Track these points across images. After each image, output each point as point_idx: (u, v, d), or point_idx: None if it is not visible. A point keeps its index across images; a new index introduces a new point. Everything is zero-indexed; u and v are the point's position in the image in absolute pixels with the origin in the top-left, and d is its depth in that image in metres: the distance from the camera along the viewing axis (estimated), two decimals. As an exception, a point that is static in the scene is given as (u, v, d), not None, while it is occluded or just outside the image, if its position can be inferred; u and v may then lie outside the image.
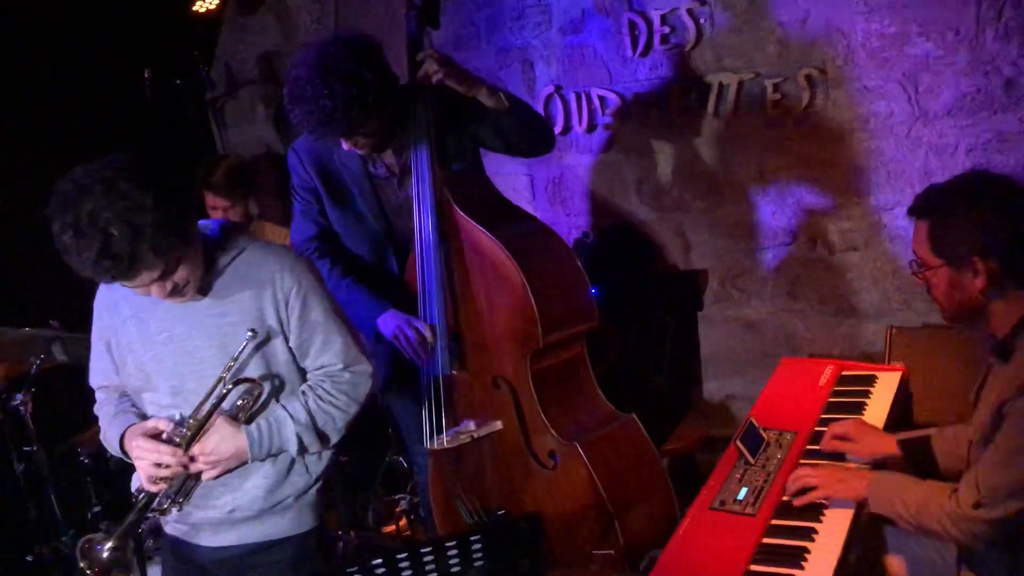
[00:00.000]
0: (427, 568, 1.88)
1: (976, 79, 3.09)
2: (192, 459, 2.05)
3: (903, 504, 2.01)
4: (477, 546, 1.90)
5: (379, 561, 1.83)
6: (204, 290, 2.07)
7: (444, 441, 2.73)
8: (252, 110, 4.80)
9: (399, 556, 1.84)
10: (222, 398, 2.05)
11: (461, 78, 2.69)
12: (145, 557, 2.97)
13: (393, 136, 2.75)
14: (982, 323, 2.03)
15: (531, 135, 2.81)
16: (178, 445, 2.03)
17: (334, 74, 2.48)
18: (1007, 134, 3.09)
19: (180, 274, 1.95)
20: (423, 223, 2.69)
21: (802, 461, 2.41)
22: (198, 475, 2.09)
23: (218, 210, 3.54)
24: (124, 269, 1.84)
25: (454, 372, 2.77)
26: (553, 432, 2.62)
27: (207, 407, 2.05)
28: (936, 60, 3.13)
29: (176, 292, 1.99)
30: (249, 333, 2.03)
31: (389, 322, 2.75)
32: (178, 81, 4.23)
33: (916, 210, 2.05)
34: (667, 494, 2.74)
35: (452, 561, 1.89)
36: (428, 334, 2.70)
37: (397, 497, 3.77)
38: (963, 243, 1.94)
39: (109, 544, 1.98)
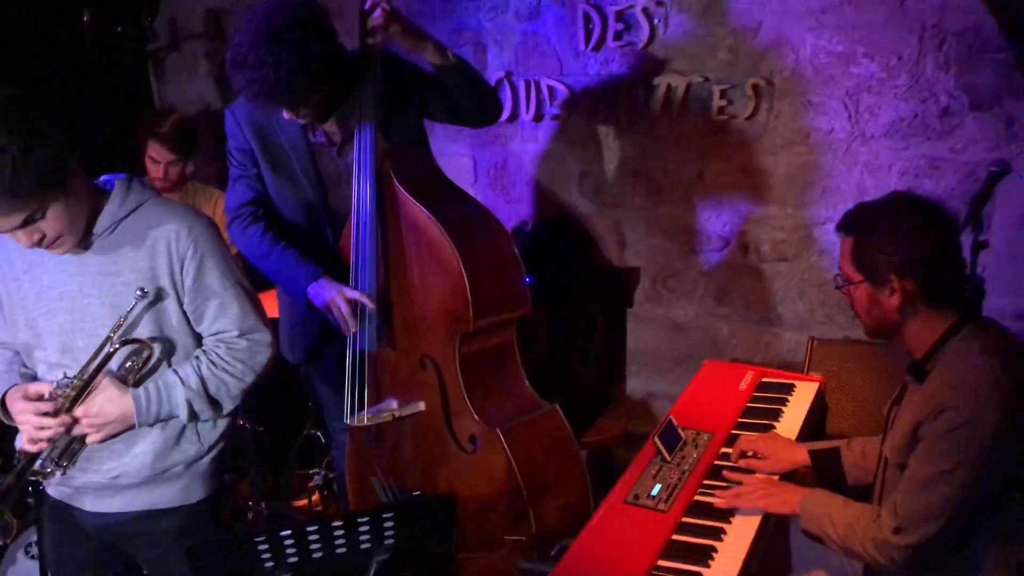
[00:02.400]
0: (337, 543, 1.86)
1: (914, 104, 3.17)
2: (75, 420, 1.98)
3: (831, 524, 2.06)
4: (389, 524, 1.89)
5: (288, 532, 1.81)
6: (89, 245, 1.99)
7: (364, 418, 2.70)
8: (194, 66, 4.67)
9: (309, 529, 1.82)
10: (109, 357, 1.98)
11: (408, 32, 2.61)
12: (23, 520, 2.89)
13: (336, 107, 2.70)
14: (900, 341, 2.08)
15: (477, 96, 2.76)
16: (61, 405, 1.96)
17: (279, 43, 2.40)
18: (938, 160, 3.18)
19: (49, 224, 1.87)
20: (362, 196, 2.64)
21: (718, 463, 2.45)
22: (83, 438, 2.01)
23: (160, 163, 3.47)
24: None
25: (381, 348, 2.74)
26: (475, 416, 2.61)
27: (93, 367, 1.98)
28: (878, 82, 3.21)
29: (46, 243, 1.90)
30: (139, 292, 1.96)
31: (321, 291, 2.70)
32: (119, 29, 4.08)
33: (843, 226, 2.10)
34: (583, 486, 2.75)
35: (363, 537, 1.88)
36: (365, 301, 2.65)
37: (311, 471, 3.74)
38: (882, 261, 1.99)
39: None
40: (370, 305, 2.65)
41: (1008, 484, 1.92)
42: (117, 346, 1.98)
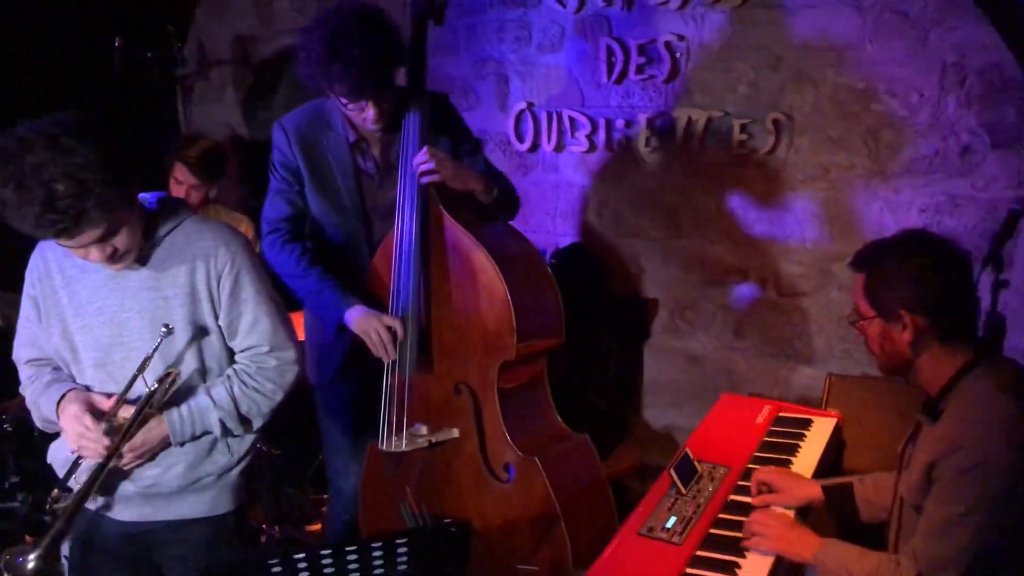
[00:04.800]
0: (350, 567, 1.86)
1: (935, 142, 3.18)
2: (120, 455, 2.03)
3: (848, 575, 2.04)
4: (403, 549, 1.89)
5: (302, 556, 1.81)
6: (144, 260, 2.05)
7: (403, 444, 2.68)
8: (221, 91, 4.74)
9: (323, 553, 1.83)
10: (149, 397, 2.03)
11: (457, 175, 2.64)
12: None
13: (396, 119, 2.70)
14: (915, 378, 2.07)
15: (507, 209, 2.84)
16: (107, 446, 2.00)
17: (368, 24, 2.46)
18: (959, 198, 3.18)
19: (121, 238, 1.92)
20: (405, 219, 2.64)
21: (733, 497, 2.44)
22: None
23: (183, 185, 3.52)
24: (68, 225, 1.81)
25: (418, 374, 2.71)
26: (512, 444, 2.60)
27: (130, 411, 2.02)
28: (899, 119, 3.21)
29: (115, 257, 1.95)
30: (163, 329, 2.01)
31: (358, 317, 2.68)
32: (149, 54, 4.16)
33: (855, 263, 2.11)
34: (611, 515, 2.75)
35: (376, 563, 1.88)
36: (399, 329, 2.65)
37: (325, 496, 3.73)
38: (893, 296, 1.99)
39: (34, 554, 1.86)
40: (400, 334, 2.65)
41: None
42: (155, 384, 2.04)
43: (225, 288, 2.07)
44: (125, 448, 2.02)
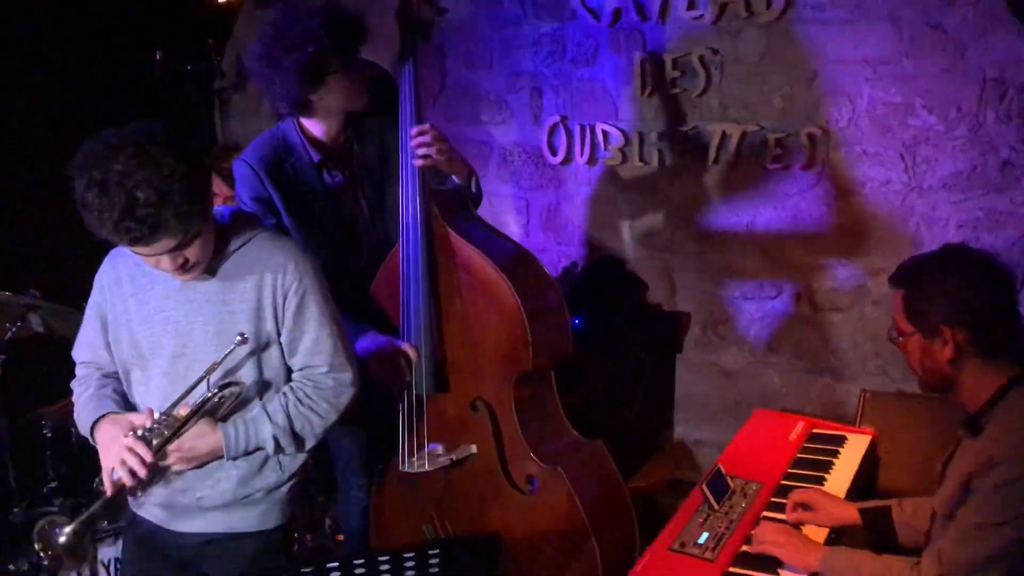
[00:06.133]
0: (382, 577, 1.88)
1: (973, 157, 3.14)
2: (165, 455, 2.04)
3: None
4: (434, 560, 1.90)
5: (335, 564, 1.83)
6: (214, 271, 2.07)
7: (424, 464, 2.69)
8: (258, 104, 4.79)
9: (356, 562, 1.84)
10: (206, 401, 2.04)
11: (449, 158, 2.67)
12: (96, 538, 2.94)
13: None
14: (954, 394, 2.05)
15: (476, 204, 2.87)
16: (150, 442, 2.00)
17: (291, 30, 2.53)
18: (998, 214, 3.14)
19: (194, 249, 1.95)
20: (409, 240, 2.65)
21: (766, 514, 2.42)
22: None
23: (219, 196, 3.56)
24: (145, 233, 1.83)
25: (434, 392, 2.72)
26: (533, 456, 2.61)
27: (188, 412, 2.03)
28: (937, 134, 3.19)
29: (186, 268, 1.98)
30: (239, 337, 2.02)
31: (370, 344, 2.66)
32: (188, 67, 4.23)
33: (895, 279, 2.10)
34: (630, 518, 2.76)
35: (408, 573, 1.89)
36: (412, 355, 2.65)
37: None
38: (933, 311, 1.98)
39: (68, 529, 1.94)
40: (413, 358, 2.65)
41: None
42: (216, 390, 2.05)
43: (291, 306, 2.09)
44: (171, 447, 2.03)
